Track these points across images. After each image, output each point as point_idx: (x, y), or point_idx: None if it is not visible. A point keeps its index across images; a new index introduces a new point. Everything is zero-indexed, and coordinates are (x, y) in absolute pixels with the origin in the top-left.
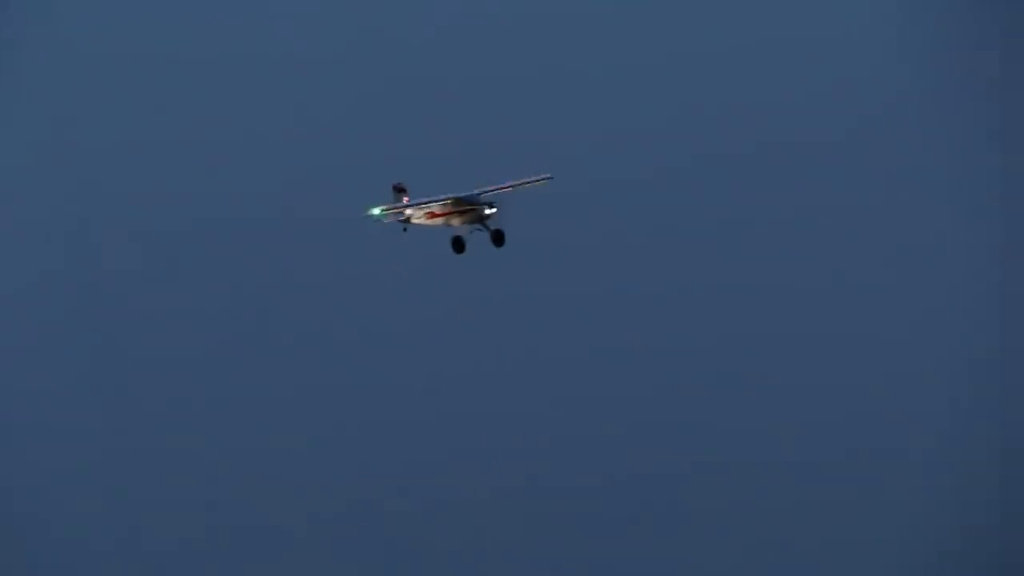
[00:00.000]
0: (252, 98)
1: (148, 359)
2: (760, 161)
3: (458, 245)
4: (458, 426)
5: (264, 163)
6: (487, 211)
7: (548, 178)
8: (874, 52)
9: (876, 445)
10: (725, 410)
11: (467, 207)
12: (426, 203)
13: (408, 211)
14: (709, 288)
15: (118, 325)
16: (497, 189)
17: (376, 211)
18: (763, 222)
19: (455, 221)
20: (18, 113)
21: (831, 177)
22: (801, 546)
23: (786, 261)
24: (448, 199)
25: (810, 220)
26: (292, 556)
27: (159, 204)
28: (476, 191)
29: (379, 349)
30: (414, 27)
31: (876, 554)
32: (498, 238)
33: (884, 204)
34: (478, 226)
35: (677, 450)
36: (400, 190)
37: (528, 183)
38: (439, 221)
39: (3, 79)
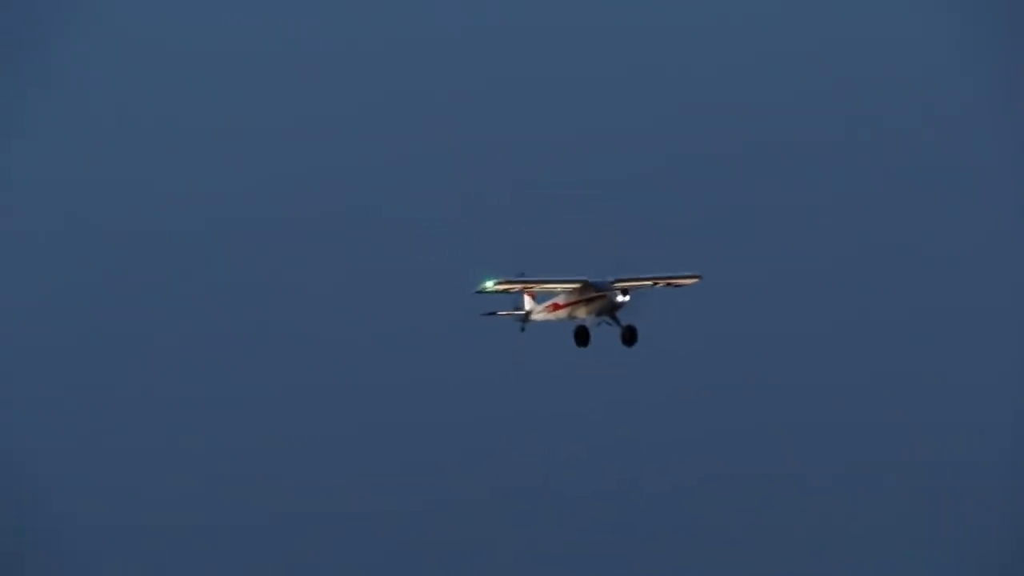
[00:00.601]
0: (261, 98)
1: (150, 359)
2: (761, 160)
3: (582, 336)
4: (458, 428)
5: (271, 163)
6: (619, 299)
7: (698, 277)
8: (872, 52)
9: (872, 449)
10: (724, 415)
11: (595, 294)
12: (548, 284)
13: (527, 306)
14: (711, 288)
15: (124, 325)
16: (635, 281)
17: (489, 284)
18: (764, 221)
19: (581, 312)
20: (16, 112)
21: (850, 177)
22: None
23: (786, 260)
24: (575, 282)
25: (817, 220)
26: (290, 556)
27: (165, 203)
28: (610, 278)
29: (378, 349)
30: (420, 30)
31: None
32: (630, 336)
33: (884, 204)
34: (606, 318)
35: (682, 458)
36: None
37: (673, 281)
38: (563, 314)
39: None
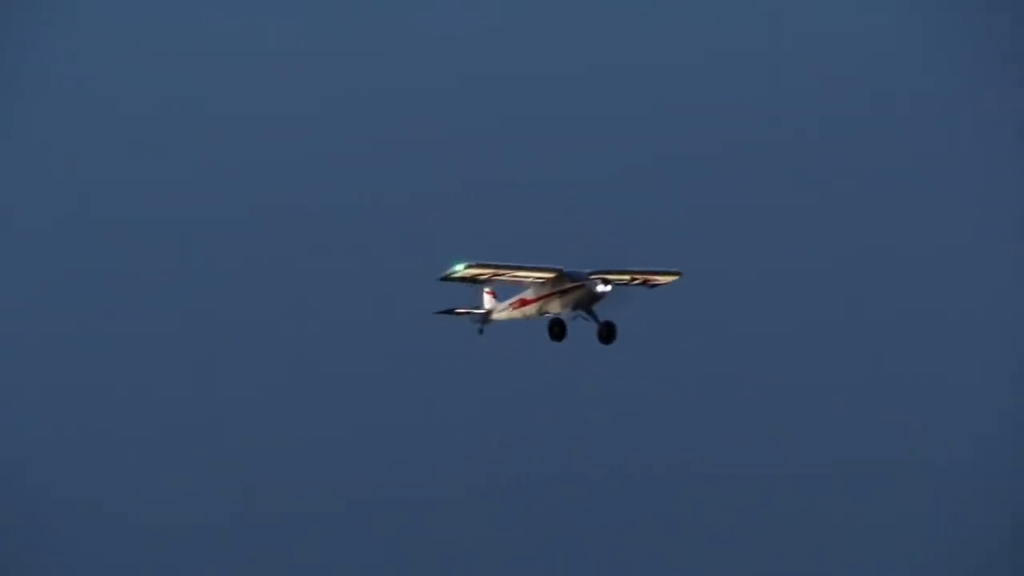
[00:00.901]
0: (254, 96)
1: (148, 358)
2: (750, 160)
3: (557, 329)
4: (425, 426)
5: (268, 160)
6: (599, 288)
7: (678, 274)
8: (866, 51)
9: (859, 450)
10: (706, 414)
11: (571, 284)
12: (520, 271)
13: (487, 304)
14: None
15: (122, 324)
16: (614, 275)
17: (459, 267)
18: (751, 220)
19: (554, 305)
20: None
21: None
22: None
23: (785, 258)
24: (550, 271)
25: (807, 220)
26: (286, 556)
27: (161, 200)
28: (586, 270)
29: (373, 348)
30: (412, 30)
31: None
32: (608, 332)
33: (872, 204)
34: (582, 313)
35: (662, 457)
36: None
37: (651, 278)
38: (532, 309)
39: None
